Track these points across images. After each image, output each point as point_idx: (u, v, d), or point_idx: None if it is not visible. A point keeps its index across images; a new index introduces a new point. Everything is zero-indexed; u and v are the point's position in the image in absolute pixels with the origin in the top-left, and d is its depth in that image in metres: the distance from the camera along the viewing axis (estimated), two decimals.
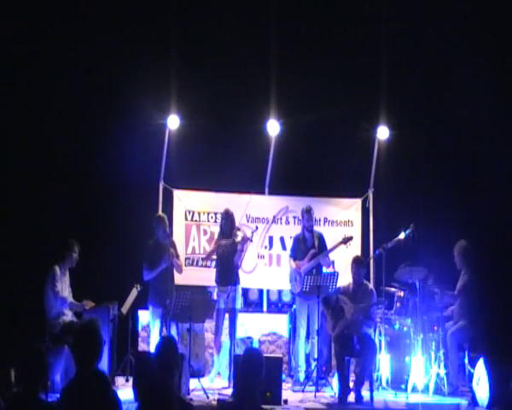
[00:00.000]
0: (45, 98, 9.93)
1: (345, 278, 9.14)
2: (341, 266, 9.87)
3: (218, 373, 9.41)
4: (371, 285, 9.17)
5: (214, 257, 9.60)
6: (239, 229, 9.51)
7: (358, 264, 8.89)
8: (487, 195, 10.25)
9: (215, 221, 10.29)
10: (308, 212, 9.58)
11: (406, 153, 10.67)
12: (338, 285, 8.97)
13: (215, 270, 9.54)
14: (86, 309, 8.80)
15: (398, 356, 9.20)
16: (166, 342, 5.33)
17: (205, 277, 10.10)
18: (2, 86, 9.73)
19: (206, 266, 10.26)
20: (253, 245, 10.20)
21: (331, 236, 10.08)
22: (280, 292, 10.61)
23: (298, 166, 10.70)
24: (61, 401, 4.86)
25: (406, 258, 9.31)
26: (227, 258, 9.29)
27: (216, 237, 9.74)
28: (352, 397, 8.36)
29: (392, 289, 9.47)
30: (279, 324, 10.24)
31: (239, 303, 9.33)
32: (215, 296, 9.43)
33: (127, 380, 9.07)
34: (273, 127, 10.59)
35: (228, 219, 9.45)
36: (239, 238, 9.31)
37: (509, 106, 10.31)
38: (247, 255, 9.78)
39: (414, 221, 9.49)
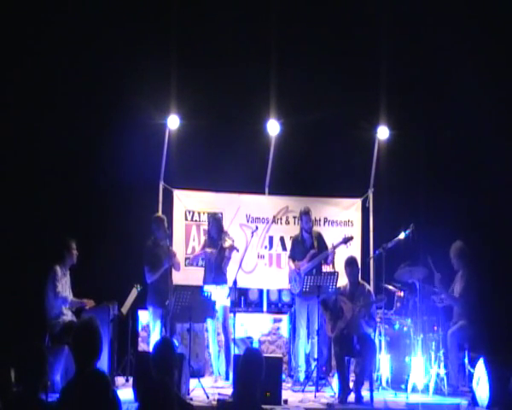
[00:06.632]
0: (45, 98, 9.93)
1: (345, 279, 9.12)
2: (341, 266, 9.85)
3: (219, 373, 9.42)
4: (369, 286, 9.14)
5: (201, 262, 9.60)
6: (227, 234, 9.49)
7: (351, 265, 8.84)
8: (487, 194, 10.25)
9: None
10: (307, 214, 9.53)
11: (406, 153, 10.67)
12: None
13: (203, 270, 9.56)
14: (86, 309, 8.80)
15: (398, 356, 9.19)
16: (164, 343, 5.33)
17: None
18: (1, 86, 9.73)
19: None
20: (252, 245, 10.23)
21: (331, 236, 10.08)
22: (280, 292, 10.62)
23: (298, 166, 10.70)
24: (60, 400, 4.86)
25: (406, 258, 9.30)
26: (214, 262, 9.29)
27: (202, 242, 9.73)
28: (352, 397, 8.34)
29: (391, 288, 9.46)
30: (279, 324, 10.26)
31: (228, 301, 9.30)
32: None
33: (127, 380, 9.07)
34: (273, 127, 10.59)
35: (215, 224, 9.44)
36: (227, 244, 9.30)
37: (509, 106, 10.31)
38: (247, 255, 9.78)
39: (414, 221, 9.48)
